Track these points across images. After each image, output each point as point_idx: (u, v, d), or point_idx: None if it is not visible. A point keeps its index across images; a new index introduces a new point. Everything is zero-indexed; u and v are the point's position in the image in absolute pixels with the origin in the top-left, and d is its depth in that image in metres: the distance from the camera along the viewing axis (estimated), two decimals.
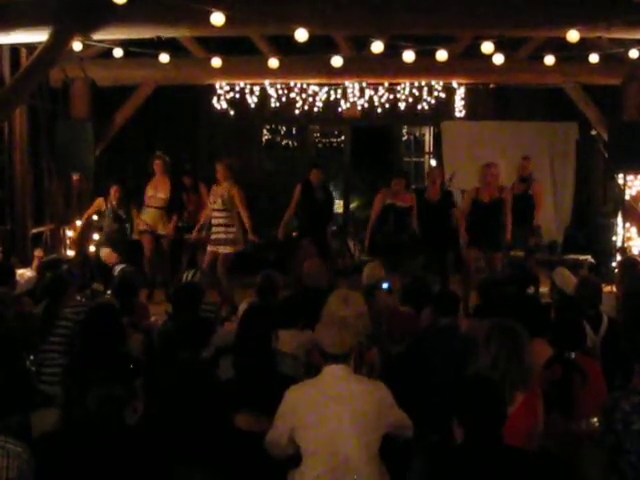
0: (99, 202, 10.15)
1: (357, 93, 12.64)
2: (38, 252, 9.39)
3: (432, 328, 5.52)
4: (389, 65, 10.63)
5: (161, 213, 10.23)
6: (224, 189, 9.30)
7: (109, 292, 7.28)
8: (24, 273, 8.37)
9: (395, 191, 9.45)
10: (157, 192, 10.20)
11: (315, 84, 12.51)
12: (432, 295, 6.51)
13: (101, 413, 3.64)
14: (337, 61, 9.16)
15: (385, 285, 7.12)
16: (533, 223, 9.75)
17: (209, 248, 9.38)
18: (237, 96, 12.64)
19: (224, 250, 9.28)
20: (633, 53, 8.90)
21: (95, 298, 7.20)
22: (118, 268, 8.23)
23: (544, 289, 8.65)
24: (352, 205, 15.08)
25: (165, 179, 10.25)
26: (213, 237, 9.34)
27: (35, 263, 8.99)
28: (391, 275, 7.82)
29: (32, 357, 5.25)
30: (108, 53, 9.77)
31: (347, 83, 12.36)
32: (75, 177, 10.69)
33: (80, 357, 4.92)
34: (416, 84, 12.40)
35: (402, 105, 12.88)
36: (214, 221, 9.36)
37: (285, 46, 10.23)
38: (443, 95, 12.68)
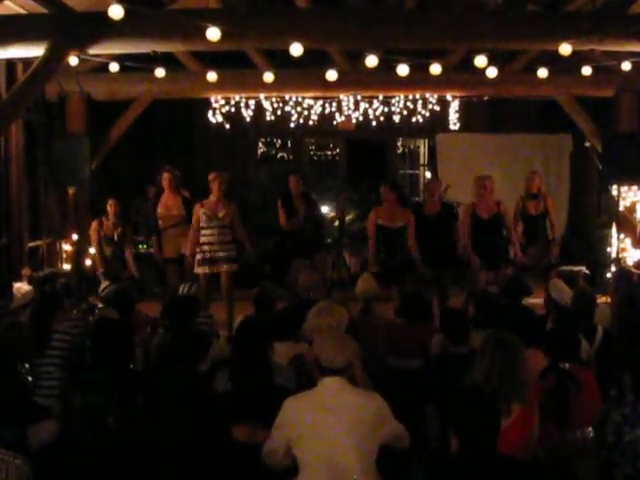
0: (95, 225, 9.93)
1: (352, 106, 12.71)
2: (26, 270, 9.38)
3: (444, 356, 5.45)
4: (383, 78, 10.65)
5: (180, 231, 9.41)
6: (224, 204, 8.97)
7: (99, 305, 7.28)
8: (21, 287, 8.38)
9: (386, 207, 8.98)
10: (169, 210, 9.50)
11: (310, 97, 12.58)
12: (428, 310, 6.54)
13: (83, 422, 3.67)
14: (332, 75, 9.20)
15: None
16: (551, 240, 9.58)
17: (204, 270, 8.84)
18: (232, 110, 12.70)
19: (230, 268, 8.91)
20: (626, 65, 8.94)
21: (92, 312, 7.20)
22: (103, 285, 8.11)
23: (539, 300, 8.69)
24: (347, 218, 15.08)
25: (175, 196, 9.57)
26: (216, 255, 8.84)
27: (24, 281, 8.97)
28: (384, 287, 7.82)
29: (27, 366, 5.26)
30: (104, 67, 9.78)
31: (342, 96, 12.42)
32: (71, 191, 10.68)
33: (86, 369, 4.94)
34: (410, 97, 12.48)
35: (397, 118, 12.97)
36: (215, 238, 8.85)
37: (280, 60, 10.27)
38: (437, 108, 12.76)
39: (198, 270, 8.92)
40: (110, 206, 9.74)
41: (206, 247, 8.89)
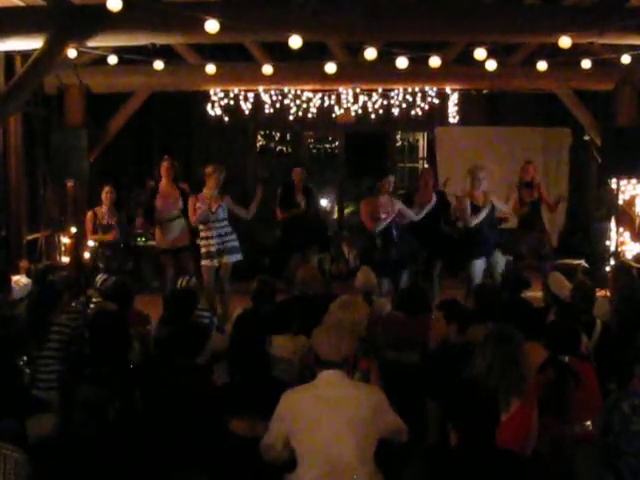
0: (90, 215, 9.90)
1: (351, 99, 12.70)
2: (24, 263, 9.36)
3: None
4: (383, 71, 10.63)
5: (175, 225, 9.46)
6: (216, 199, 8.90)
7: (94, 300, 7.25)
8: (19, 279, 8.37)
9: (379, 198, 8.90)
10: (167, 204, 9.42)
11: (309, 90, 12.56)
12: (427, 302, 6.52)
13: (83, 415, 3.66)
14: (331, 67, 9.17)
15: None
16: (544, 230, 9.64)
17: (207, 262, 8.87)
18: (231, 102, 12.69)
19: (235, 258, 8.95)
20: (625, 58, 8.91)
21: (90, 305, 7.17)
22: (100, 278, 8.09)
23: (536, 293, 8.68)
24: (346, 211, 15.10)
25: (173, 187, 9.51)
26: (222, 247, 8.84)
27: (22, 273, 8.96)
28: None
29: (25, 358, 5.25)
30: (103, 60, 9.75)
31: (341, 89, 12.41)
32: (70, 183, 10.65)
33: (85, 361, 4.93)
34: (410, 90, 12.47)
35: (396, 111, 12.95)
36: (212, 232, 8.84)
37: (279, 52, 10.26)
38: (436, 101, 12.75)
39: (203, 263, 8.96)
40: (106, 193, 9.70)
41: (206, 241, 8.91)
